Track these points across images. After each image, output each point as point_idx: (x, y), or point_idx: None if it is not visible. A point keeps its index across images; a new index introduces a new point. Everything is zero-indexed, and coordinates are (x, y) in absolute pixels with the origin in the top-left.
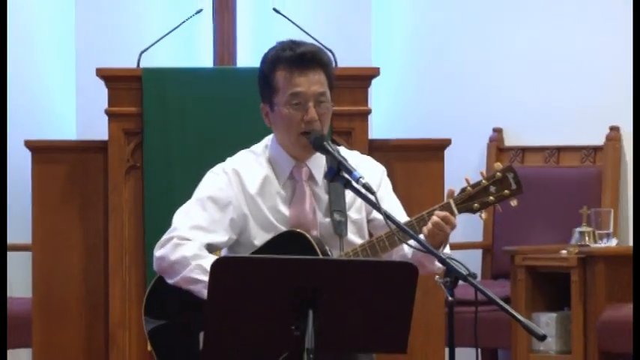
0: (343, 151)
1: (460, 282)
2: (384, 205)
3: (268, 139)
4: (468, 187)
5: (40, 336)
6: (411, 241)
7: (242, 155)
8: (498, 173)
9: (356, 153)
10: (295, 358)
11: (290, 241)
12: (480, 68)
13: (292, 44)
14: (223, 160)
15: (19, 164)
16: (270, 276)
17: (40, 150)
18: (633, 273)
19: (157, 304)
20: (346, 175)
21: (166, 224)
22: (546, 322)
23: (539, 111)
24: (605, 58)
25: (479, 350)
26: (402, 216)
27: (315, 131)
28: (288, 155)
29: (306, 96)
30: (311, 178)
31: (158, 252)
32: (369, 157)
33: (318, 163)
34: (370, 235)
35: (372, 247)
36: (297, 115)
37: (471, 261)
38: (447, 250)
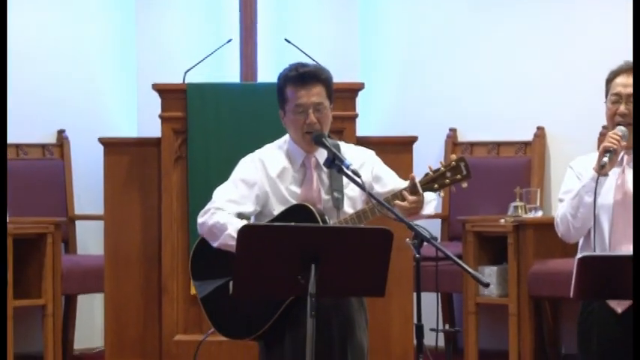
0: (343, 145)
1: (425, 243)
2: (382, 176)
3: (287, 136)
4: (430, 173)
5: (110, 283)
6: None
7: (267, 147)
8: (453, 162)
9: (352, 145)
10: (301, 301)
11: (299, 212)
12: (441, 83)
13: (298, 66)
14: (249, 152)
15: (94, 155)
16: (283, 239)
17: (110, 145)
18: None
19: (199, 263)
20: (339, 163)
21: (205, 200)
22: (489, 273)
23: (484, 115)
24: (532, 76)
25: (439, 294)
26: (396, 179)
27: (316, 131)
28: (300, 148)
29: (307, 105)
30: (317, 165)
31: (200, 219)
32: (361, 147)
33: (323, 155)
34: None
35: (358, 217)
36: (300, 120)
37: (433, 227)
38: (429, 209)
